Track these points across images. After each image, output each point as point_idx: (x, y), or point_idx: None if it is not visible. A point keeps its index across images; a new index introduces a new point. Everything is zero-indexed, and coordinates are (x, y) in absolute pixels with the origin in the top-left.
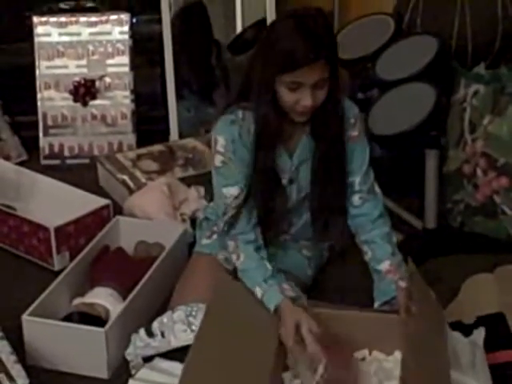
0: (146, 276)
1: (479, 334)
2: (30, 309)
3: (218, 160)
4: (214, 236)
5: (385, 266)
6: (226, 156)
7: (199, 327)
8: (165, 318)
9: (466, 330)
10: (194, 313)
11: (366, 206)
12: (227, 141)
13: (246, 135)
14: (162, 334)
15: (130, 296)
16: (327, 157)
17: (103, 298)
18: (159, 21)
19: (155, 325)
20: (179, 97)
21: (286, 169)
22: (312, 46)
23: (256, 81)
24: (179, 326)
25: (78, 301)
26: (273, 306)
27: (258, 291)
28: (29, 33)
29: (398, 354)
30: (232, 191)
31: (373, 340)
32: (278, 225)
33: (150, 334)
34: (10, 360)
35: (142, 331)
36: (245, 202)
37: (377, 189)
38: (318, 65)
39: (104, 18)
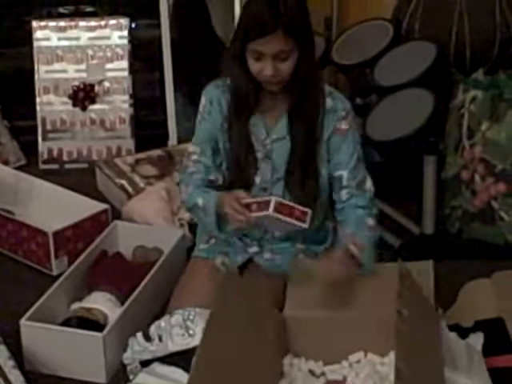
0: (144, 281)
1: (477, 339)
2: (28, 313)
3: (197, 118)
4: (212, 241)
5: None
6: (202, 115)
7: (204, 332)
8: (162, 322)
9: (464, 333)
10: (191, 317)
11: (352, 199)
12: (206, 101)
13: (226, 101)
14: (160, 338)
15: (128, 301)
16: (302, 140)
17: (101, 302)
18: (158, 25)
19: (153, 329)
20: (178, 99)
21: (262, 142)
22: (270, 17)
23: (230, 49)
24: (177, 330)
25: (76, 305)
26: (213, 204)
27: (200, 201)
28: (28, 37)
29: (393, 355)
30: (193, 148)
31: (368, 341)
32: None
33: (148, 338)
34: (8, 365)
35: (139, 335)
36: (208, 166)
37: (367, 186)
38: (276, 36)
39: (103, 22)
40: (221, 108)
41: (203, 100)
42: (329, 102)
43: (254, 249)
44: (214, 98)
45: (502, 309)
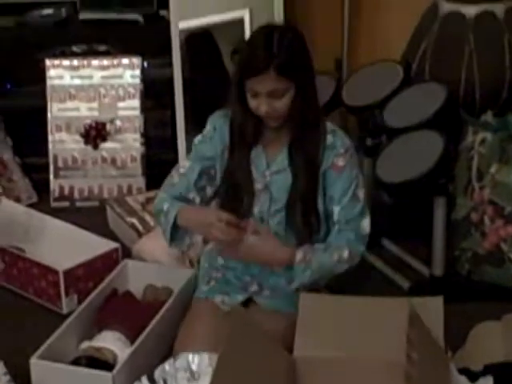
0: (154, 320)
1: (487, 383)
2: (38, 352)
3: (197, 138)
4: (212, 282)
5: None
6: (203, 138)
7: (213, 375)
8: (167, 366)
9: (474, 377)
10: (196, 360)
11: (341, 233)
12: (210, 127)
13: (228, 131)
14: (165, 382)
15: (138, 340)
16: (302, 174)
17: (111, 342)
18: (170, 64)
19: (157, 372)
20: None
21: (262, 173)
22: (263, 56)
23: (232, 83)
24: (182, 373)
25: (85, 344)
26: (174, 213)
27: (165, 206)
28: (41, 75)
29: None
30: (183, 163)
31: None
32: None
33: (153, 381)
34: None
35: (144, 379)
36: (190, 183)
37: (361, 225)
38: (268, 75)
39: (116, 61)
40: (223, 136)
41: (208, 126)
42: (329, 138)
43: (253, 287)
44: (217, 126)
45: None
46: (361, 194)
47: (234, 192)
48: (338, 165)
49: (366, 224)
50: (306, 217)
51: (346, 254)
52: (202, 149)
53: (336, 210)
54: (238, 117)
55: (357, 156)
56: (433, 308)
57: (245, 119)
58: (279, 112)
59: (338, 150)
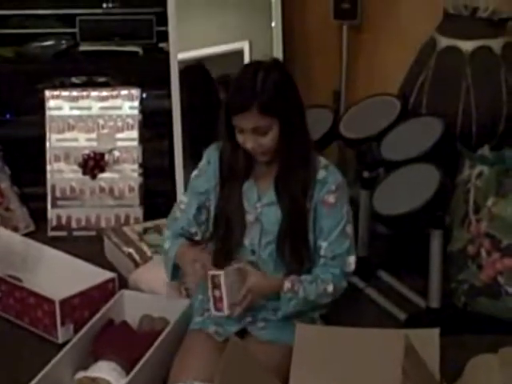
0: (150, 351)
1: None
2: (34, 381)
3: (194, 172)
4: (206, 313)
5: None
6: (199, 171)
7: None
8: None
9: None
10: None
11: (327, 268)
12: (205, 161)
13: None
14: None
15: (134, 371)
16: (288, 208)
17: (106, 372)
18: (168, 95)
19: None
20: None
21: (253, 205)
22: (246, 95)
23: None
24: None
25: (81, 374)
26: (174, 253)
27: (167, 245)
28: (40, 106)
29: None
30: (183, 198)
31: None
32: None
33: None
34: None
35: None
36: (190, 218)
37: (347, 261)
38: (251, 113)
39: (115, 92)
40: (216, 169)
41: (203, 159)
42: (322, 173)
43: (247, 319)
44: (211, 159)
45: None
46: (349, 230)
47: (225, 224)
48: (329, 201)
49: (351, 261)
50: (295, 250)
51: (330, 288)
52: (197, 184)
53: (323, 245)
54: (227, 151)
55: (348, 191)
56: (429, 340)
57: (234, 154)
58: (264, 148)
59: (329, 186)
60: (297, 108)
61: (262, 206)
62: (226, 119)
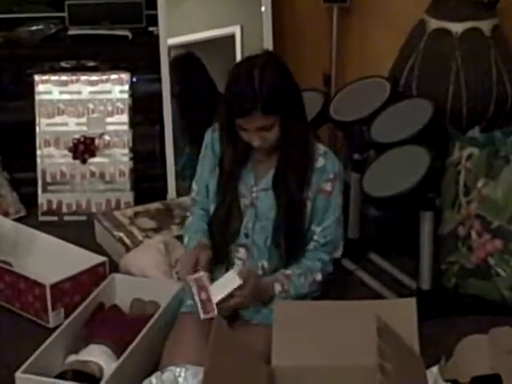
0: (141, 334)
1: None
2: (24, 366)
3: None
4: None
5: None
6: (201, 157)
7: None
8: (153, 379)
9: None
10: (182, 374)
11: (316, 251)
12: (203, 145)
13: (219, 146)
14: None
15: (125, 354)
16: (285, 197)
17: (97, 355)
18: (159, 80)
19: None
20: (178, 154)
21: (250, 189)
22: (247, 98)
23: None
24: None
25: (72, 358)
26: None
27: (185, 240)
28: (30, 90)
29: None
30: (194, 186)
31: None
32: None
33: None
34: None
35: None
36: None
37: (335, 248)
38: (254, 116)
39: (104, 77)
40: (214, 153)
41: (203, 143)
42: (321, 160)
43: None
44: (208, 143)
45: (499, 365)
46: (341, 219)
47: (221, 208)
48: (326, 189)
49: (340, 248)
50: (291, 241)
51: (319, 276)
52: (200, 170)
53: (317, 230)
54: (229, 148)
55: (343, 180)
56: (406, 310)
57: (236, 149)
58: (271, 142)
59: (327, 174)
60: (296, 97)
61: (257, 191)
62: (227, 119)
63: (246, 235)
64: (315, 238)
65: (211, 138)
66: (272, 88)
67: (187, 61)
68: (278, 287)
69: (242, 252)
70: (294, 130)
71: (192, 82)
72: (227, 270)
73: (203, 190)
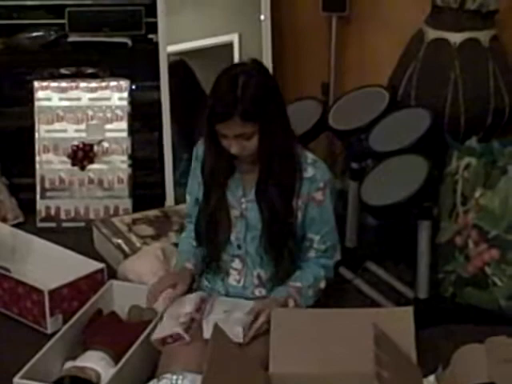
0: (139, 341)
1: None
2: (22, 372)
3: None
4: None
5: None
6: (191, 171)
7: None
8: None
9: None
10: (179, 381)
11: (318, 260)
12: (193, 157)
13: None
14: None
15: (122, 360)
16: (268, 209)
17: (95, 361)
18: (158, 87)
19: None
20: (177, 161)
21: (239, 200)
22: (227, 104)
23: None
24: None
25: (69, 364)
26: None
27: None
28: (29, 97)
29: None
30: (187, 198)
31: None
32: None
33: None
34: None
35: None
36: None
37: (335, 254)
38: (234, 121)
39: (104, 84)
40: (202, 165)
41: (193, 155)
42: (310, 170)
43: None
44: (198, 155)
45: (495, 374)
46: (335, 224)
47: (210, 220)
48: (317, 199)
49: (339, 251)
50: (279, 250)
51: (323, 284)
52: (191, 183)
53: (316, 238)
54: (211, 154)
55: (334, 187)
56: (403, 319)
57: (218, 156)
58: (250, 151)
59: (318, 183)
60: (278, 109)
61: (247, 202)
62: (208, 125)
63: (239, 246)
64: (315, 246)
65: (200, 150)
66: (254, 96)
67: (178, 68)
68: (291, 303)
69: (237, 262)
70: (276, 141)
71: (183, 88)
72: (222, 280)
73: (193, 203)
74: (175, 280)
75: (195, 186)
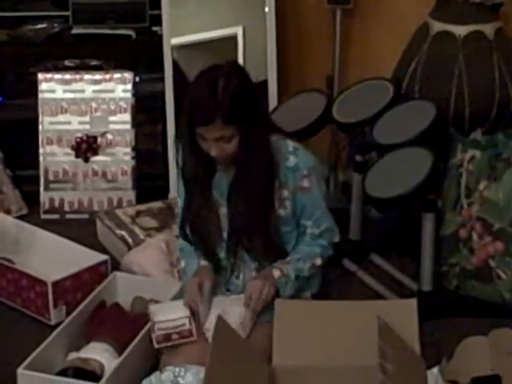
0: (142, 332)
1: None
2: (26, 362)
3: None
4: None
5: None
6: (179, 170)
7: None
8: (153, 378)
9: None
10: (182, 373)
11: (314, 243)
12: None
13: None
14: None
15: (126, 352)
16: (244, 204)
17: (98, 353)
18: (162, 79)
19: None
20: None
21: (225, 198)
22: (209, 107)
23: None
24: None
25: (73, 356)
26: (189, 275)
27: (182, 264)
28: (33, 89)
29: None
30: (178, 201)
31: None
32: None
33: None
34: None
35: None
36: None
37: (332, 236)
38: (215, 125)
39: (108, 76)
40: (183, 168)
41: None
42: (292, 159)
43: None
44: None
45: (499, 366)
46: (327, 208)
47: (198, 221)
48: (304, 186)
49: (337, 233)
50: (266, 244)
51: (319, 261)
52: (179, 183)
53: (309, 223)
54: (191, 156)
55: (321, 168)
56: (406, 311)
57: (198, 158)
58: (229, 153)
59: (301, 171)
60: (257, 109)
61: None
62: (188, 128)
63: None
64: (309, 231)
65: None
66: (235, 98)
67: None
68: (276, 273)
69: (234, 258)
70: (255, 143)
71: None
72: (223, 276)
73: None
74: (200, 279)
75: (182, 188)
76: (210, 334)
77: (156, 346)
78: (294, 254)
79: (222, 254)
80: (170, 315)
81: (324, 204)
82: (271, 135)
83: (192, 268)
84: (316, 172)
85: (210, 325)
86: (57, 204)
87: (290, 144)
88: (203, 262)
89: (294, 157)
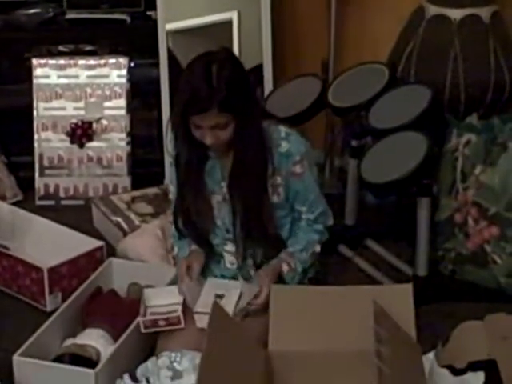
0: (138, 318)
1: (477, 378)
2: (21, 349)
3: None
4: None
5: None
6: (172, 158)
7: (198, 375)
8: (149, 364)
9: (457, 372)
10: (178, 359)
11: (311, 228)
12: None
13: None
14: (147, 381)
15: (121, 338)
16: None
17: (94, 339)
18: (157, 64)
19: (140, 371)
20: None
21: (219, 184)
22: (204, 95)
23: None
24: (164, 372)
25: (69, 342)
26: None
27: (175, 250)
28: (27, 74)
29: None
30: (171, 188)
31: (352, 375)
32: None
33: (135, 380)
34: None
35: (126, 377)
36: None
37: (327, 219)
38: (210, 113)
39: (102, 61)
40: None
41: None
42: (284, 145)
43: None
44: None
45: (494, 351)
46: (321, 192)
47: (193, 208)
48: (296, 172)
49: (331, 216)
50: (262, 231)
51: (318, 248)
52: (172, 171)
53: (303, 209)
54: (185, 144)
55: (313, 154)
56: (402, 296)
57: (192, 145)
58: (224, 141)
59: (293, 157)
60: (250, 95)
61: (227, 186)
62: (181, 116)
63: (227, 230)
64: (303, 216)
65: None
66: (229, 85)
67: None
68: (285, 267)
69: (229, 245)
70: (250, 129)
71: None
72: (218, 263)
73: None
74: (189, 262)
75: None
76: (199, 317)
77: (143, 330)
78: (295, 244)
79: (216, 241)
80: (163, 300)
81: (317, 188)
82: (263, 121)
83: (184, 254)
84: (308, 157)
85: (198, 307)
86: (52, 190)
87: (283, 130)
88: (194, 247)
89: (286, 142)
